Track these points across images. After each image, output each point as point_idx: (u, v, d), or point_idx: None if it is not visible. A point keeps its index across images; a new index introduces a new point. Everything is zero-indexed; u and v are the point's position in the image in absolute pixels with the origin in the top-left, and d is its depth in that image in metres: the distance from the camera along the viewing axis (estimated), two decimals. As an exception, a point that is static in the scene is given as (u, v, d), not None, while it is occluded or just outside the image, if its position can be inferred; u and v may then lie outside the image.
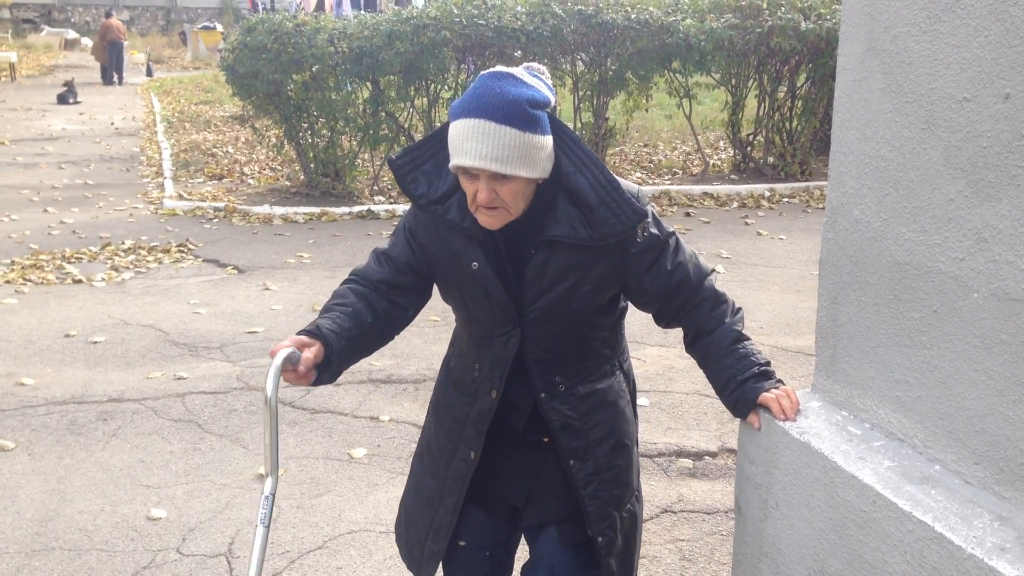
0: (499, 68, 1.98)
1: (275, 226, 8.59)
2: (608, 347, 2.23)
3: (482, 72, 2.01)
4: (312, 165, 9.59)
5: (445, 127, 2.05)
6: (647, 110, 10.69)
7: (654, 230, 2.10)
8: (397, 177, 2.09)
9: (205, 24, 28.58)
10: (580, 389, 2.17)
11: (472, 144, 1.88)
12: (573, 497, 2.21)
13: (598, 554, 2.22)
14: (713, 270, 2.23)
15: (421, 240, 2.14)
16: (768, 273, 6.94)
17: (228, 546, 3.41)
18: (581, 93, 9.98)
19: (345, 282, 2.21)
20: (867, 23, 1.90)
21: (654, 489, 3.79)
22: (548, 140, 1.96)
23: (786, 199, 9.59)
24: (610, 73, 9.78)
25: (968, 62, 1.65)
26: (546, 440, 2.22)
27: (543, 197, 2.01)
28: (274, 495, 1.95)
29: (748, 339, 2.15)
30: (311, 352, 1.96)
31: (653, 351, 5.36)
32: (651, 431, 4.32)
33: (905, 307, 1.84)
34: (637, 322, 5.73)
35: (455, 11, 8.91)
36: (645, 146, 12.49)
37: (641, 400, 4.63)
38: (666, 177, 10.54)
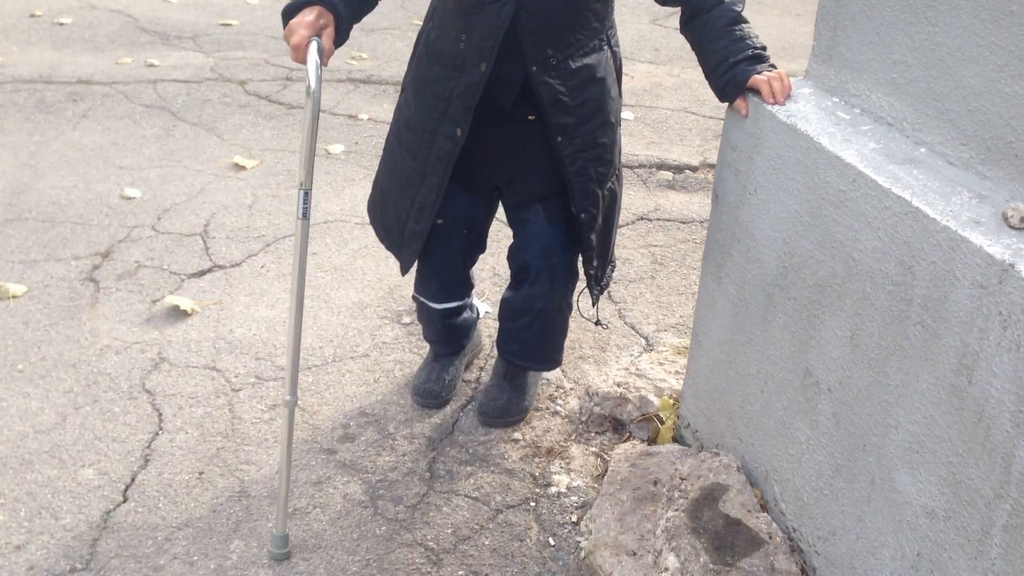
0: None
1: (252, -81, 8.04)
2: (599, 20, 2.10)
3: None
4: None
5: None
6: None
7: None
8: None
9: None
10: (571, 63, 2.07)
11: None
12: (556, 175, 2.18)
13: (579, 230, 2.22)
14: None
15: None
16: (769, -3, 6.64)
17: (203, 227, 3.42)
18: None
19: None
20: None
21: (632, 198, 3.79)
22: None
23: (797, -78, 9.04)
24: None
25: None
26: (531, 118, 2.15)
27: None
28: (309, 190, 1.92)
29: (746, 22, 2.01)
30: (329, 37, 1.90)
31: (642, 67, 5.20)
32: (634, 144, 4.26)
33: (916, -20, 1.72)
34: (628, 39, 5.54)
35: None
36: None
37: (626, 114, 4.54)
38: None
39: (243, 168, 3.86)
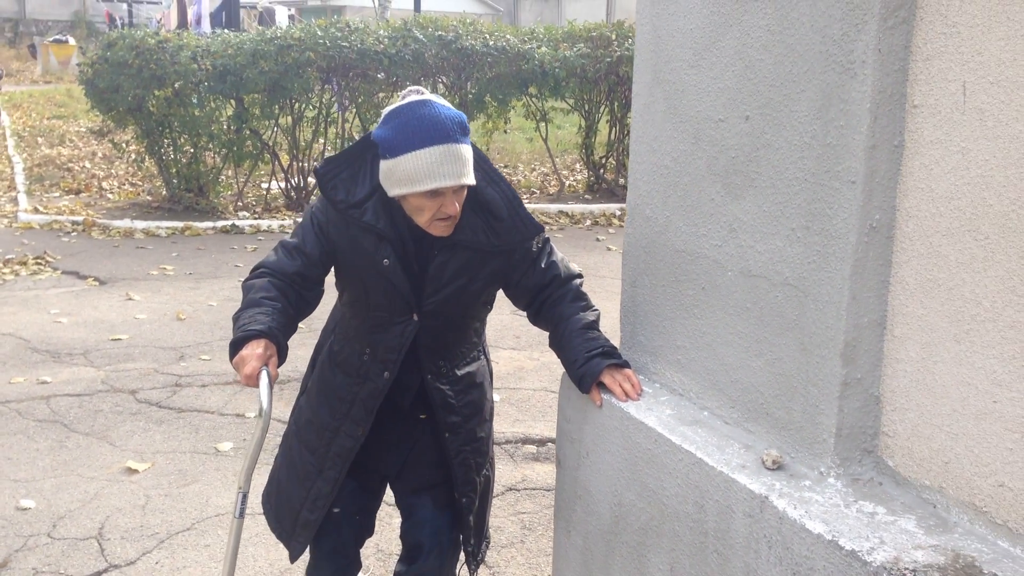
0: (414, 98, 2.26)
1: (137, 240, 8.62)
2: (477, 335, 2.59)
3: (401, 105, 2.26)
4: (175, 180, 9.64)
5: (362, 142, 2.36)
6: (506, 131, 11.20)
7: (540, 243, 2.48)
8: (320, 184, 2.35)
9: (56, 37, 27.59)
10: (457, 371, 2.51)
11: (448, 167, 2.19)
12: (441, 466, 2.55)
13: (461, 512, 2.58)
14: (580, 275, 2.59)
15: (331, 236, 2.38)
16: (615, 284, 7.47)
17: (98, 530, 3.60)
18: (442, 114, 10.37)
19: (259, 275, 2.37)
20: (653, 58, 2.34)
21: (501, 472, 4.17)
22: None
23: (634, 217, 10.25)
24: (470, 96, 10.24)
25: (722, 91, 2.10)
26: (423, 417, 2.54)
27: None
28: (247, 493, 2.28)
29: (598, 328, 2.47)
30: (274, 365, 2.23)
31: (506, 353, 5.77)
32: (501, 423, 4.70)
33: (682, 287, 2.28)
34: (491, 328, 6.13)
35: (319, 32, 9.19)
36: (505, 167, 12.98)
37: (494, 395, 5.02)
38: (524, 197, 11.05)
39: (135, 471, 4.10)
